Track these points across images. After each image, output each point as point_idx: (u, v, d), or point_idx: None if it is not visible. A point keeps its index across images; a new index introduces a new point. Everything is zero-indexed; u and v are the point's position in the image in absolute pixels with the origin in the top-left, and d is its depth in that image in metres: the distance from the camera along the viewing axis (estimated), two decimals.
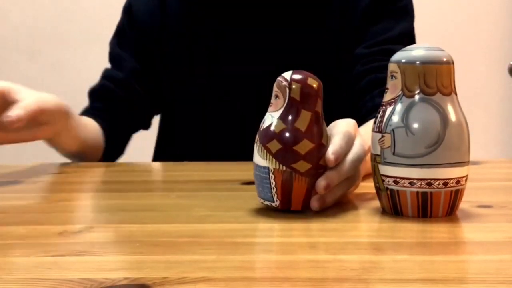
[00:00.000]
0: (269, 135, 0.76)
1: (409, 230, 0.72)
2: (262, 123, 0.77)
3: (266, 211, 0.78)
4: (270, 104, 0.78)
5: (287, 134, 0.75)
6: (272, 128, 0.76)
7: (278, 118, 0.76)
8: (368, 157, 0.81)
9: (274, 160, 0.75)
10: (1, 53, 2.46)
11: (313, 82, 0.76)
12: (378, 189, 0.78)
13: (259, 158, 0.77)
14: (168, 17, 1.32)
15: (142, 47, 1.34)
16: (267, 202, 0.77)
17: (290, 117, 0.76)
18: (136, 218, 0.78)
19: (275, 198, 0.76)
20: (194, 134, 1.35)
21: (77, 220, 0.75)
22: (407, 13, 1.28)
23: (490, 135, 2.56)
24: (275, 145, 0.75)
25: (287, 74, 0.77)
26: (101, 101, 1.32)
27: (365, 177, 0.88)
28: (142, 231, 0.73)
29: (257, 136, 0.77)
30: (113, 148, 1.31)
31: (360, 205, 0.82)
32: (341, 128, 0.80)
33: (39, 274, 0.59)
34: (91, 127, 1.25)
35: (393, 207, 0.76)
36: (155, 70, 1.35)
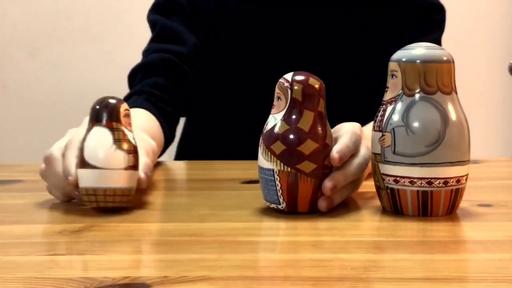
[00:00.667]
0: (272, 137, 0.75)
1: (409, 229, 0.72)
2: (265, 125, 0.77)
3: (266, 210, 0.78)
4: (273, 106, 0.77)
5: (290, 135, 0.75)
6: (276, 129, 0.75)
7: (281, 120, 0.76)
8: None
9: (278, 161, 0.75)
10: (1, 51, 2.46)
11: (315, 82, 0.76)
12: (378, 188, 0.78)
13: (263, 160, 0.76)
14: (223, 6, 1.24)
15: (201, 26, 1.23)
16: (273, 205, 0.77)
17: (293, 118, 0.75)
18: (136, 217, 0.78)
19: (281, 200, 0.76)
20: (226, 132, 1.28)
21: (77, 219, 0.75)
22: (439, 27, 1.27)
23: (491, 134, 2.55)
24: (279, 147, 0.75)
25: (288, 76, 0.76)
26: (163, 76, 1.15)
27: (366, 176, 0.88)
28: (142, 230, 0.73)
29: (261, 139, 0.77)
30: (171, 137, 1.16)
31: (360, 204, 0.82)
32: (347, 129, 0.79)
33: (40, 273, 0.59)
34: (156, 135, 1.06)
35: (393, 206, 0.76)
36: (211, 53, 1.23)
